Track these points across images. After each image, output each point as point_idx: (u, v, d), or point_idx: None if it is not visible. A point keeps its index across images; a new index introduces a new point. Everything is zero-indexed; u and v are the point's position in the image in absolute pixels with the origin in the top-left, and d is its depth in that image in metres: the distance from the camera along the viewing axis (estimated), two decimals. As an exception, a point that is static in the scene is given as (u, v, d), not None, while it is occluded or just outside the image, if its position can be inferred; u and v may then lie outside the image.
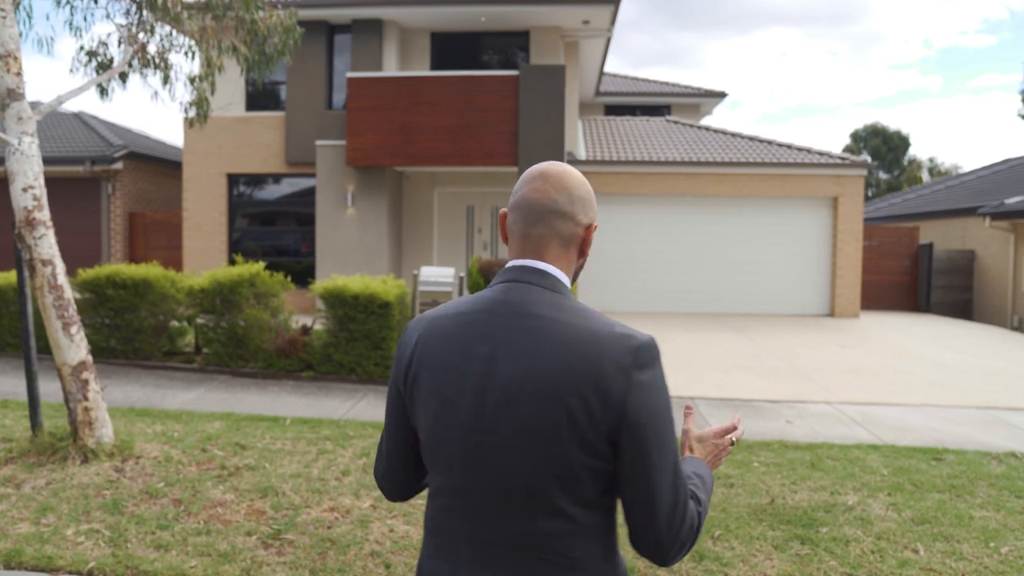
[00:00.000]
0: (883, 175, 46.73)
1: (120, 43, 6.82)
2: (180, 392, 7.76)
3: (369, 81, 12.69)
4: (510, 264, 1.38)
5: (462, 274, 8.17)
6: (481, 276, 7.83)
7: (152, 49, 7.06)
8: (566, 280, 1.37)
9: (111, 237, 15.81)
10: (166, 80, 7.29)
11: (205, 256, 14.40)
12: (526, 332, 1.28)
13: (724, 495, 4.96)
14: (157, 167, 16.88)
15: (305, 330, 8.56)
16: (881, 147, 46.17)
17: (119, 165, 15.45)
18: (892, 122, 63.50)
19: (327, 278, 9.44)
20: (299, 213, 14.64)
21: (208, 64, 7.25)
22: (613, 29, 14.04)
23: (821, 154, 14.80)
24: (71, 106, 19.35)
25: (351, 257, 13.17)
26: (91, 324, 8.77)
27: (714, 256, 14.81)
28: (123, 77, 7.02)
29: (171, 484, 4.86)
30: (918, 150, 67.67)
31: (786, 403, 7.79)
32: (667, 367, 7.77)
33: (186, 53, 6.69)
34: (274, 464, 5.39)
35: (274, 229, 14.94)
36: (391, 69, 13.70)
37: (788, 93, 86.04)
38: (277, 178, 14.69)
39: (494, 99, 12.25)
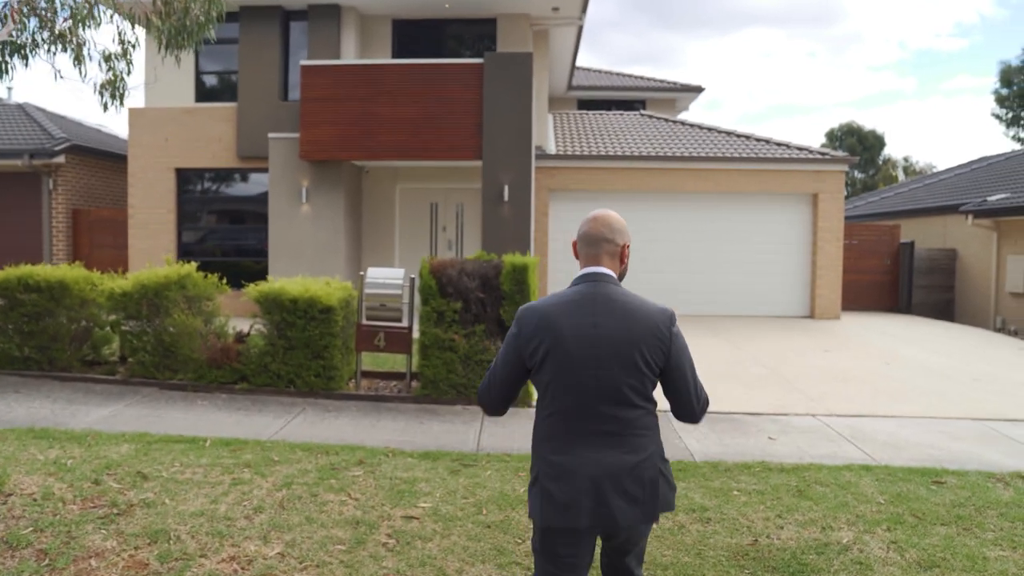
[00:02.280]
0: (858, 174, 46.55)
1: (14, 11, 5.98)
2: (95, 408, 6.91)
3: (324, 69, 11.88)
4: (586, 271, 2.42)
5: (413, 275, 7.40)
6: (433, 278, 7.07)
7: (60, 23, 6.26)
8: (616, 277, 2.43)
9: (53, 236, 14.81)
10: (78, 58, 6.47)
11: (152, 256, 13.45)
12: (614, 310, 2.33)
13: (700, 533, 4.26)
14: (104, 161, 15.90)
15: (240, 338, 7.75)
16: (856, 146, 45.99)
17: (61, 159, 14.45)
18: (870, 122, 63.50)
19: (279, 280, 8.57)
20: (253, 210, 13.77)
21: (120, 40, 6.44)
22: (584, 17, 13.34)
23: (800, 149, 14.21)
24: (17, 96, 18.30)
25: (305, 256, 12.34)
26: (1, 330, 7.89)
27: (690, 255, 14.16)
28: (22, 52, 6.18)
29: (41, 529, 4.06)
30: (893, 150, 67.72)
31: (769, 416, 7.12)
32: None
33: (77, 20, 5.82)
34: (176, 499, 4.60)
35: (226, 227, 14.07)
36: (350, 58, 12.89)
37: (769, 93, 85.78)
38: (229, 173, 13.82)
39: (457, 89, 11.48)
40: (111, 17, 6.22)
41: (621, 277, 2.47)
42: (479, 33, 13.46)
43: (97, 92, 6.68)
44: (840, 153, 14.03)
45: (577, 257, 2.49)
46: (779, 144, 14.48)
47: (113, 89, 6.63)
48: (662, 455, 2.43)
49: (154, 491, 4.72)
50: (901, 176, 43.50)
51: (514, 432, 6.36)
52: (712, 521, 4.44)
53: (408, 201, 13.73)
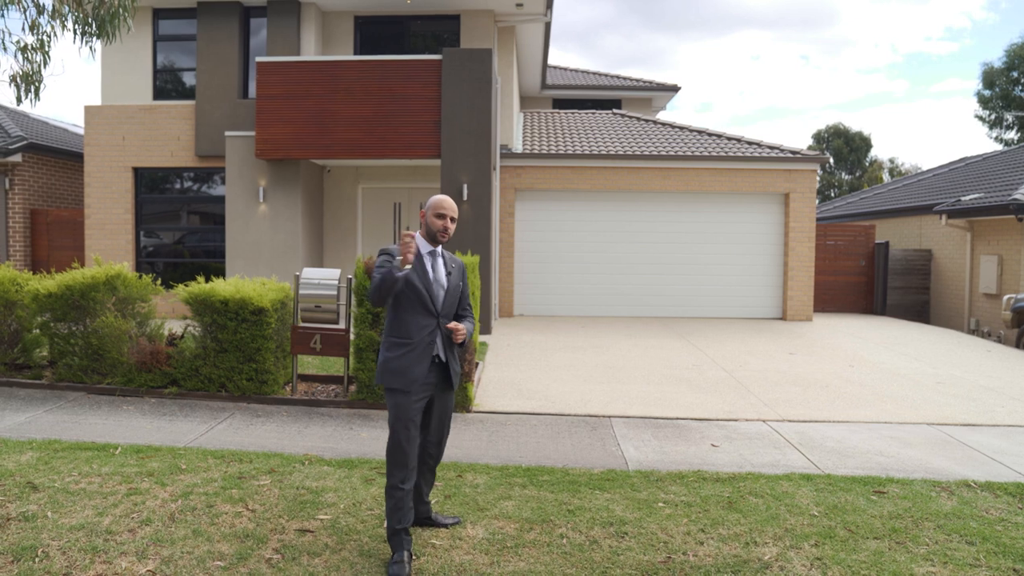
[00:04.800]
0: (845, 176, 46.52)
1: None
2: (11, 414, 6.59)
3: (280, 66, 11.59)
4: None
5: (350, 276, 7.11)
6: (368, 278, 6.78)
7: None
8: (420, 234, 3.79)
9: (10, 236, 14.47)
10: (-8, 48, 6.17)
11: (110, 257, 13.15)
12: None
13: (612, 550, 3.98)
14: (66, 161, 15.56)
15: (171, 340, 7.45)
16: (843, 148, 45.96)
17: (17, 158, 14.13)
18: (860, 125, 63.37)
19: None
20: (213, 211, 13.46)
21: (34, 29, 6.14)
22: (550, 14, 13.08)
23: (772, 148, 13.98)
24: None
25: (263, 258, 12.04)
26: (-77, 334, 7.58)
27: (663, 256, 13.91)
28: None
29: None
30: (882, 151, 67.79)
31: (716, 422, 6.85)
32: (589, 380, 6.80)
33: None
34: (60, 511, 4.30)
35: (186, 227, 13.74)
36: (310, 55, 12.61)
37: (760, 95, 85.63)
38: (188, 172, 13.51)
39: (415, 86, 11.21)
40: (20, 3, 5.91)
41: (427, 232, 3.85)
42: (443, 30, 13.19)
43: (12, 84, 6.38)
44: (812, 152, 13.80)
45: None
46: (750, 143, 14.25)
47: (28, 82, 6.33)
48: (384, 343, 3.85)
49: (39, 503, 4.43)
50: (886, 177, 43.46)
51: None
52: (628, 536, 4.16)
53: (371, 201, 13.45)
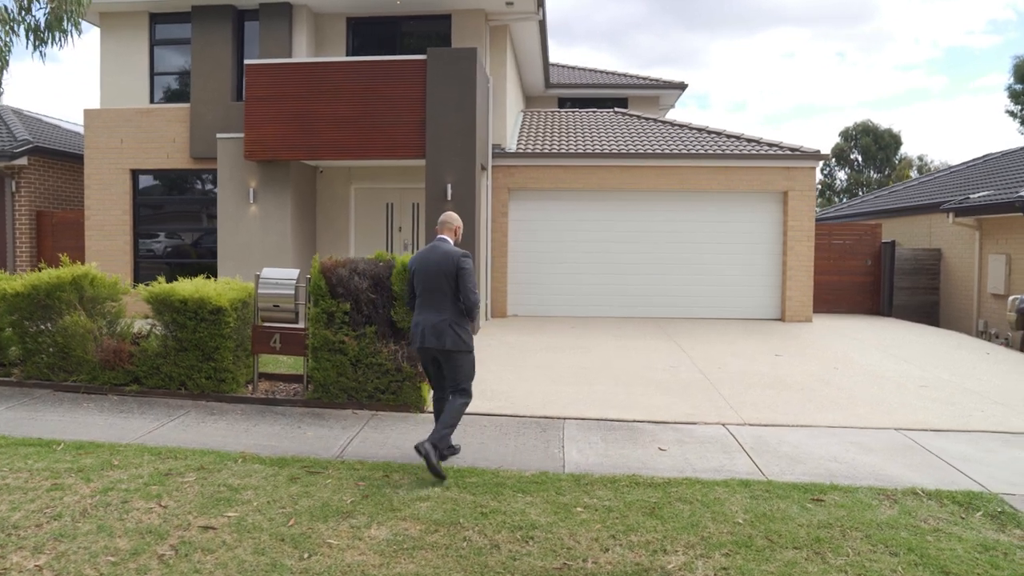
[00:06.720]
0: (874, 174, 45.59)
1: None
2: (-28, 411, 6.72)
3: (268, 68, 11.66)
4: (437, 237, 5.54)
5: (309, 275, 7.11)
6: (323, 278, 6.78)
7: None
8: (451, 240, 5.53)
9: (16, 238, 14.79)
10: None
11: (108, 257, 13.39)
12: (440, 253, 5.34)
13: (510, 554, 3.90)
14: (71, 163, 15.85)
15: (135, 339, 7.52)
16: (871, 146, 45.07)
17: (23, 161, 14.43)
18: (895, 122, 61.58)
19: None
20: (207, 211, 13.61)
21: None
22: (542, 12, 12.98)
23: (771, 145, 13.72)
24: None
25: (254, 259, 12.12)
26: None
27: (657, 256, 13.72)
28: None
29: None
30: (916, 149, 66.10)
31: (673, 425, 6.71)
32: (558, 381, 7.36)
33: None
34: (-24, 508, 4.35)
35: (182, 228, 13.90)
36: (303, 57, 12.68)
37: (794, 94, 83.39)
38: (183, 174, 13.67)
39: (401, 86, 11.20)
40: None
41: (456, 240, 5.52)
42: (435, 30, 13.17)
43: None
44: (811, 149, 13.49)
45: (441, 234, 5.53)
46: (749, 140, 14.00)
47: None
48: (455, 320, 5.24)
49: (-40, 499, 4.49)
50: (915, 175, 42.46)
51: (388, 438, 6.04)
52: (533, 541, 4.07)
53: (364, 201, 13.48)
